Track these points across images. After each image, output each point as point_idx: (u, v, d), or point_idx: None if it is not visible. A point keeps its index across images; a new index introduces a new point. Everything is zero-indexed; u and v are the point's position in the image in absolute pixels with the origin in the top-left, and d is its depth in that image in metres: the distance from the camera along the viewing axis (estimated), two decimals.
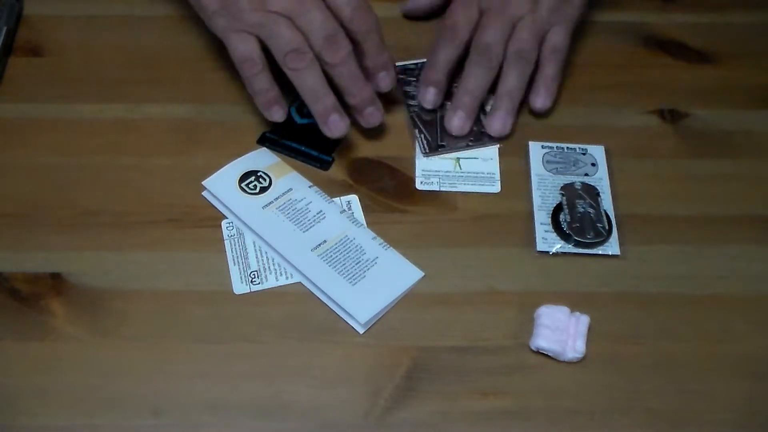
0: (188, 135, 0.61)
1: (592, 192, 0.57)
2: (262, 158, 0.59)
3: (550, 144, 0.60)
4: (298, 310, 0.53)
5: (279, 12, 0.55)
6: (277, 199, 0.56)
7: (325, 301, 0.53)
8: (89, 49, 0.66)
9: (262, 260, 0.55)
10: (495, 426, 0.49)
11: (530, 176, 0.59)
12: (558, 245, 0.55)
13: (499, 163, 0.60)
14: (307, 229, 0.55)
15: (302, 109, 0.61)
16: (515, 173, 0.59)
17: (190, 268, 0.54)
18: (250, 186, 0.57)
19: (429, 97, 0.61)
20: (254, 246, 0.55)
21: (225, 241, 0.55)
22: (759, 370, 0.51)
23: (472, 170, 0.59)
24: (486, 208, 0.58)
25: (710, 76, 0.66)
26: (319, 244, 0.54)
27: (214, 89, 0.63)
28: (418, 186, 0.58)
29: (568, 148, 0.60)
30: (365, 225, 0.56)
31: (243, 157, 0.59)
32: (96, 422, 0.48)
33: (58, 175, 0.58)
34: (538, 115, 0.62)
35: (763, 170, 0.60)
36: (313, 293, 0.53)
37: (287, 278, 0.54)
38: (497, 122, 0.60)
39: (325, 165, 0.59)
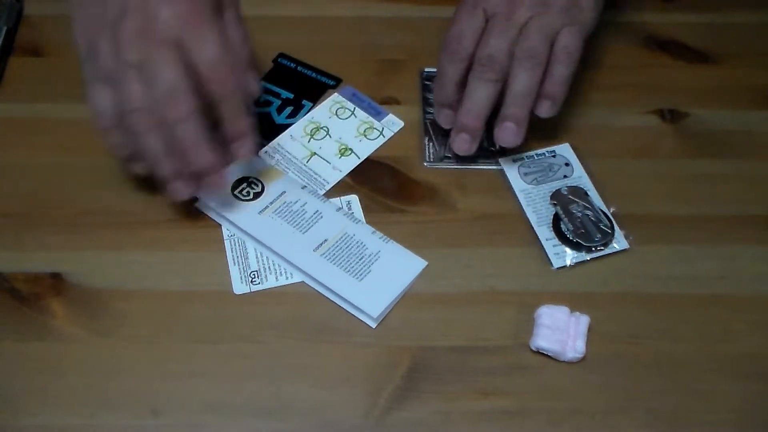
0: None
1: (581, 193, 0.57)
2: (251, 164, 0.58)
3: (520, 155, 0.60)
4: (298, 310, 0.53)
5: (130, 62, 0.50)
6: (272, 203, 0.56)
7: (334, 300, 0.53)
8: None
9: (262, 260, 0.55)
10: (495, 426, 0.49)
11: (515, 194, 0.58)
12: (571, 256, 0.55)
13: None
14: (306, 230, 0.55)
15: (282, 109, 0.62)
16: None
17: (190, 268, 0.54)
18: (244, 193, 0.57)
19: (444, 119, 0.59)
20: (254, 245, 0.55)
21: (225, 241, 0.55)
22: (759, 370, 0.51)
23: (314, 170, 0.59)
24: (486, 208, 0.58)
25: (710, 76, 0.66)
26: (321, 244, 0.54)
27: None
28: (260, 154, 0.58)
29: (537, 154, 0.60)
30: (360, 215, 0.56)
31: (232, 164, 0.58)
32: (96, 422, 0.48)
33: (58, 175, 0.58)
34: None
35: (763, 170, 0.60)
36: (314, 293, 0.53)
37: (287, 278, 0.54)
38: (507, 134, 0.57)
39: None
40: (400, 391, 0.50)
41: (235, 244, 0.55)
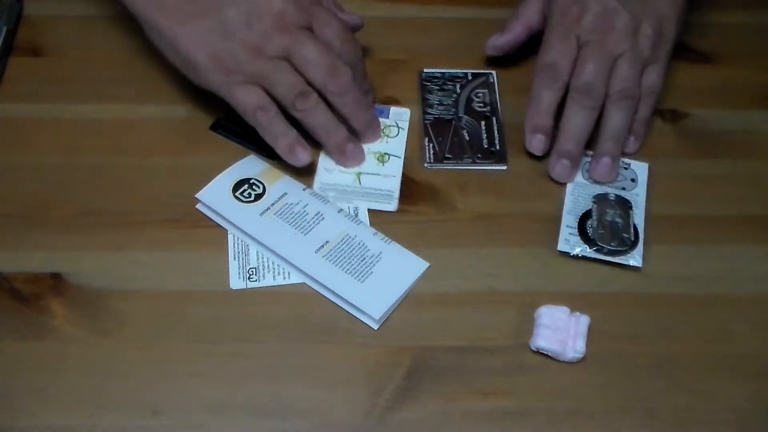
0: (188, 135, 0.61)
1: (625, 205, 0.57)
2: (252, 165, 0.59)
3: (590, 153, 0.59)
4: (299, 310, 0.53)
5: (277, 56, 0.55)
6: (273, 204, 0.56)
7: (335, 301, 0.53)
8: (89, 49, 0.66)
9: (262, 258, 0.55)
10: (495, 426, 0.49)
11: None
12: (579, 248, 0.55)
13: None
14: (308, 232, 0.55)
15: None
16: (521, 174, 0.60)
17: (190, 268, 0.54)
18: (245, 194, 0.57)
19: (537, 144, 0.59)
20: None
21: (228, 236, 0.55)
22: (759, 370, 0.51)
23: (371, 186, 0.58)
24: (486, 208, 0.58)
25: (710, 76, 0.66)
26: (322, 245, 0.54)
27: None
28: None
29: None
30: (366, 222, 0.56)
31: (233, 166, 0.58)
32: (96, 422, 0.48)
33: (58, 175, 0.58)
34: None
35: (763, 170, 0.60)
36: (314, 293, 0.53)
37: (285, 278, 0.54)
38: (603, 168, 0.58)
39: (273, 153, 0.58)
40: (400, 391, 0.50)
41: (237, 240, 0.55)
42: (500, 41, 0.64)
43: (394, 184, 0.58)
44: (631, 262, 0.54)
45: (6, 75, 0.64)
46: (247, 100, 0.56)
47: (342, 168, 0.59)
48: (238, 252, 0.55)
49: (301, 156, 0.57)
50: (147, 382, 0.50)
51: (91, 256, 0.55)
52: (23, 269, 0.54)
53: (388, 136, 0.61)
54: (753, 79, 0.66)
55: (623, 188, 0.58)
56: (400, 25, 0.68)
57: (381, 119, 0.62)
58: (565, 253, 0.55)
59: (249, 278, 0.54)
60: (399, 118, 0.62)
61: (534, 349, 0.51)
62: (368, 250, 0.54)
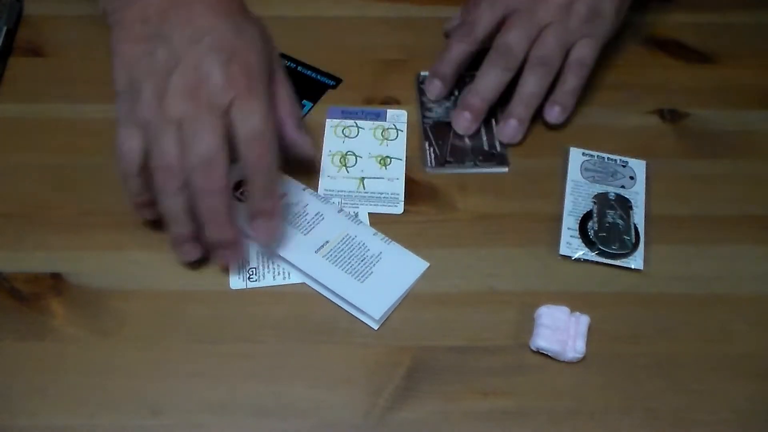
0: None
1: (625, 204, 0.57)
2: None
3: (591, 152, 0.60)
4: (298, 310, 0.53)
5: (171, 117, 0.48)
6: None
7: (335, 302, 0.53)
8: (89, 49, 0.66)
9: (263, 258, 0.55)
10: (495, 426, 0.49)
11: (565, 181, 0.58)
12: (581, 252, 0.55)
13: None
14: (308, 232, 0.55)
15: None
16: (521, 174, 0.60)
17: (190, 268, 0.54)
18: (245, 195, 0.56)
19: (433, 89, 0.61)
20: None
21: None
22: (759, 370, 0.51)
23: (375, 190, 0.58)
24: (486, 209, 0.58)
25: (710, 76, 0.66)
26: (322, 245, 0.54)
27: None
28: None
29: (609, 158, 0.60)
30: (366, 222, 0.56)
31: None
32: (96, 422, 0.48)
33: (58, 175, 0.58)
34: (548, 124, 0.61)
35: (763, 170, 0.60)
36: (314, 293, 0.53)
37: (284, 278, 0.54)
38: (509, 129, 0.60)
39: None
40: (400, 391, 0.50)
41: None
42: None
43: (399, 187, 0.58)
44: (633, 265, 0.54)
45: (6, 75, 0.64)
46: (125, 142, 0.50)
47: (345, 173, 0.59)
48: None
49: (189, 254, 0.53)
50: (147, 382, 0.50)
51: (91, 256, 0.55)
52: (23, 269, 0.54)
53: (387, 138, 0.61)
54: (753, 79, 0.66)
55: (622, 186, 0.58)
56: (400, 25, 0.68)
57: (378, 122, 0.62)
58: (566, 257, 0.55)
59: (249, 278, 0.54)
60: (396, 120, 0.62)
61: (534, 349, 0.51)
62: (368, 250, 0.54)
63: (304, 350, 0.51)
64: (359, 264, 0.54)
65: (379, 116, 0.62)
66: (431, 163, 0.60)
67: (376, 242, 0.55)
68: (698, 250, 0.56)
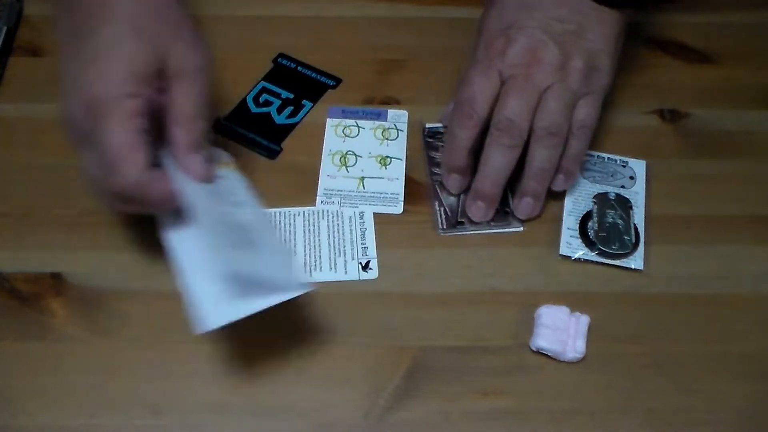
0: None
1: (625, 204, 0.57)
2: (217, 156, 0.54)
3: (591, 152, 0.59)
4: (298, 310, 0.53)
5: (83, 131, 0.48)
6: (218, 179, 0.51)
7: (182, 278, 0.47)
8: None
9: None
10: (495, 426, 0.49)
11: None
12: (581, 252, 0.55)
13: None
14: (228, 205, 0.50)
15: (257, 98, 0.62)
16: None
17: None
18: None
19: (453, 183, 0.57)
20: None
21: None
22: (759, 370, 0.51)
23: (375, 190, 0.58)
24: None
25: (710, 76, 0.66)
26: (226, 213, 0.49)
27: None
28: (318, 205, 0.57)
29: (609, 158, 0.60)
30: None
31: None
32: (96, 422, 0.48)
33: (58, 175, 0.58)
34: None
35: (763, 170, 0.60)
36: (316, 293, 0.53)
37: None
38: (526, 207, 0.56)
39: (273, 154, 0.60)
40: (400, 391, 0.50)
41: None
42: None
43: (399, 187, 0.58)
44: (633, 265, 0.54)
45: (6, 75, 0.64)
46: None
47: (345, 173, 0.59)
48: None
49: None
50: (147, 382, 0.50)
51: (91, 256, 0.55)
52: (23, 269, 0.54)
53: (387, 138, 0.61)
54: (753, 79, 0.66)
55: (622, 186, 0.58)
56: (400, 25, 0.68)
57: (378, 122, 0.62)
58: (566, 257, 0.55)
59: None
60: (397, 120, 0.62)
61: (534, 349, 0.51)
62: (264, 244, 0.48)
63: (304, 350, 0.51)
64: (242, 254, 0.47)
65: (380, 116, 0.62)
66: (442, 224, 0.57)
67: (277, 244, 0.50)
68: (698, 250, 0.56)
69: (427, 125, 0.62)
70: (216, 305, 0.45)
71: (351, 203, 0.57)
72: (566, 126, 0.54)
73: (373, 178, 0.59)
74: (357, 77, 0.65)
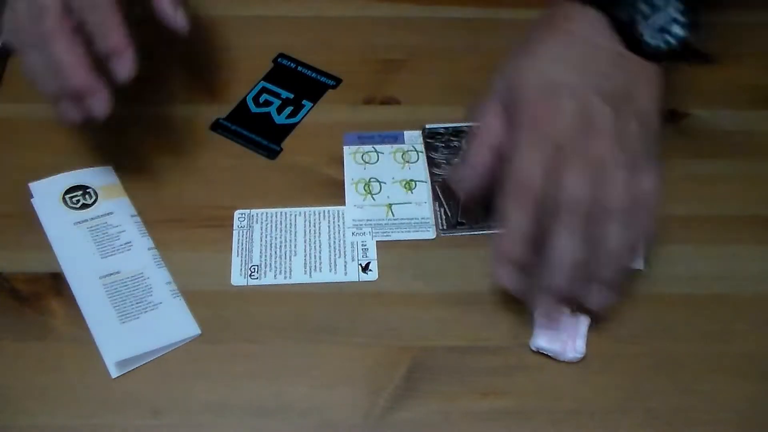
0: (188, 135, 0.61)
1: None
2: (102, 176, 0.57)
3: None
4: (298, 310, 0.53)
5: None
6: (93, 219, 0.55)
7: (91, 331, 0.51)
8: None
9: (265, 256, 0.55)
10: (495, 426, 0.49)
11: None
12: None
13: None
14: (107, 257, 0.54)
15: (257, 98, 0.62)
16: None
17: (190, 267, 0.54)
18: (73, 200, 0.55)
19: (506, 279, 0.49)
20: (260, 241, 0.55)
21: (234, 231, 0.56)
22: (759, 370, 0.51)
23: (405, 216, 0.57)
24: None
25: (710, 76, 0.66)
26: (111, 274, 0.53)
27: (208, 87, 0.63)
28: (350, 237, 0.56)
29: None
30: (166, 268, 0.54)
31: (82, 170, 0.57)
32: (96, 422, 0.48)
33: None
34: None
35: (763, 170, 0.60)
36: (314, 293, 0.53)
37: (285, 278, 0.54)
38: (601, 299, 0.50)
39: (273, 154, 0.60)
40: (400, 391, 0.50)
41: (242, 236, 0.55)
42: (468, 183, 0.53)
43: (428, 211, 0.57)
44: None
45: (6, 75, 0.64)
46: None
47: (372, 201, 0.57)
48: (242, 249, 0.55)
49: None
50: (147, 382, 0.50)
51: None
52: (23, 269, 0.54)
53: (408, 161, 0.60)
54: (753, 79, 0.66)
55: None
56: (400, 25, 0.68)
57: (397, 146, 0.60)
58: None
59: (250, 275, 0.54)
60: (415, 141, 0.60)
61: (534, 349, 0.51)
62: (151, 295, 0.52)
63: (304, 350, 0.51)
64: (132, 305, 0.52)
65: (397, 139, 0.61)
66: (442, 225, 0.57)
67: (163, 292, 0.52)
68: (698, 250, 0.56)
69: (427, 125, 0.61)
70: (115, 345, 0.50)
71: (383, 233, 0.56)
72: (637, 199, 0.49)
73: (400, 204, 0.58)
74: (357, 77, 0.65)
